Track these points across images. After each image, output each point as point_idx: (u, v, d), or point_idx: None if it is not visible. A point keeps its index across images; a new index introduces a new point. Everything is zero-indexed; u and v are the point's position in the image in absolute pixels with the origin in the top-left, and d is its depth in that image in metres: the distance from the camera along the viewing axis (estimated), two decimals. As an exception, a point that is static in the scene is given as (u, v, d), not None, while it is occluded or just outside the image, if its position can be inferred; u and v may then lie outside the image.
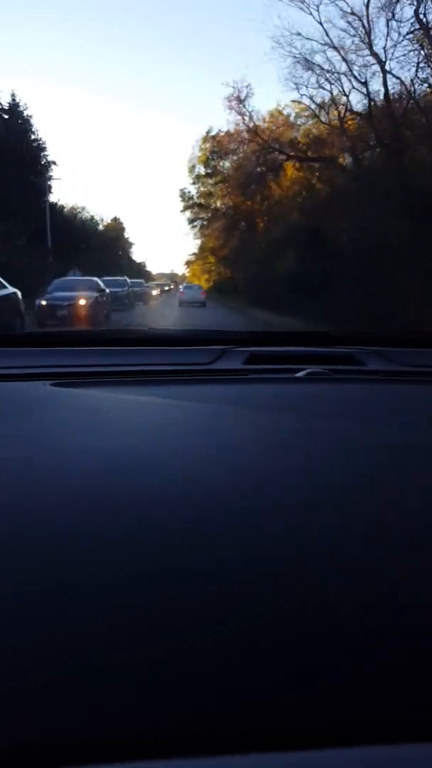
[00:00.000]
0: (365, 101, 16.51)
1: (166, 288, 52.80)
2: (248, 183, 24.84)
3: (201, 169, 34.34)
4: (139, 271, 57.54)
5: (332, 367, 1.05)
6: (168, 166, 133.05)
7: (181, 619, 0.34)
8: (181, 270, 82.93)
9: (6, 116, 26.68)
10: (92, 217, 41.41)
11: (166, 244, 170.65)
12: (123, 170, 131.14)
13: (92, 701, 0.28)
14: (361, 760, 0.27)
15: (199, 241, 43.37)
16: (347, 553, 0.41)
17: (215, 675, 0.30)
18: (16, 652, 0.31)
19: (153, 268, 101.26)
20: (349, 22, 16.25)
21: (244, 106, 22.46)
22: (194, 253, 56.94)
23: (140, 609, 0.34)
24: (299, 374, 0.99)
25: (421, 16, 13.88)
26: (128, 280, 23.93)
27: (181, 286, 34.22)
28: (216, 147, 32.18)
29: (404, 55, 19.54)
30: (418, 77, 14.62)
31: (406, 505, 0.49)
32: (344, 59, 16.63)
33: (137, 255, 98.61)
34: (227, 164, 32.25)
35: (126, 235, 60.97)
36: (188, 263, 68.97)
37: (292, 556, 0.40)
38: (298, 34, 17.58)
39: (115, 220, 55.67)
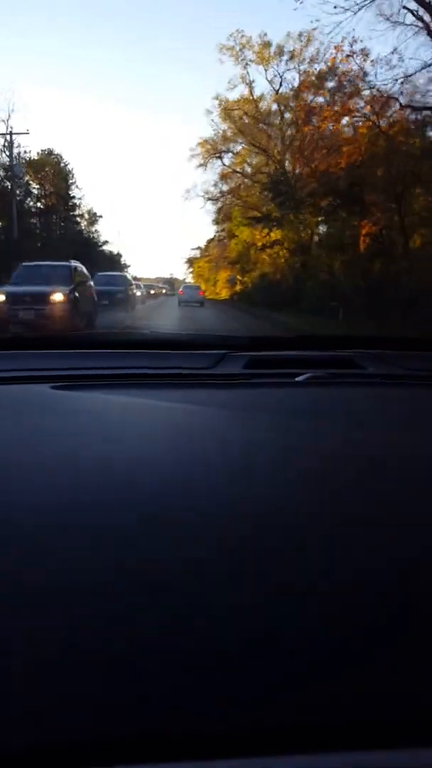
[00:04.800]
0: None
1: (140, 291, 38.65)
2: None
3: None
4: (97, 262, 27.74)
5: (332, 371, 1.05)
6: (167, 168, 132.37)
7: (180, 623, 0.34)
8: (180, 273, 74.01)
9: None
10: None
11: (163, 246, 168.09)
12: (119, 171, 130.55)
13: (91, 702, 0.28)
14: (360, 763, 0.27)
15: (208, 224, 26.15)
16: (347, 554, 0.41)
17: (212, 677, 0.30)
18: (13, 653, 0.31)
19: (151, 271, 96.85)
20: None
21: None
22: (199, 247, 43.50)
23: (139, 610, 0.34)
24: (300, 378, 0.99)
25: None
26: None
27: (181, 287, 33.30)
28: None
29: None
30: None
31: (406, 506, 0.49)
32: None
33: (128, 254, 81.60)
34: None
35: (80, 195, 36.10)
36: (190, 261, 53.61)
37: (293, 558, 0.40)
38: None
39: (50, 153, 30.33)
